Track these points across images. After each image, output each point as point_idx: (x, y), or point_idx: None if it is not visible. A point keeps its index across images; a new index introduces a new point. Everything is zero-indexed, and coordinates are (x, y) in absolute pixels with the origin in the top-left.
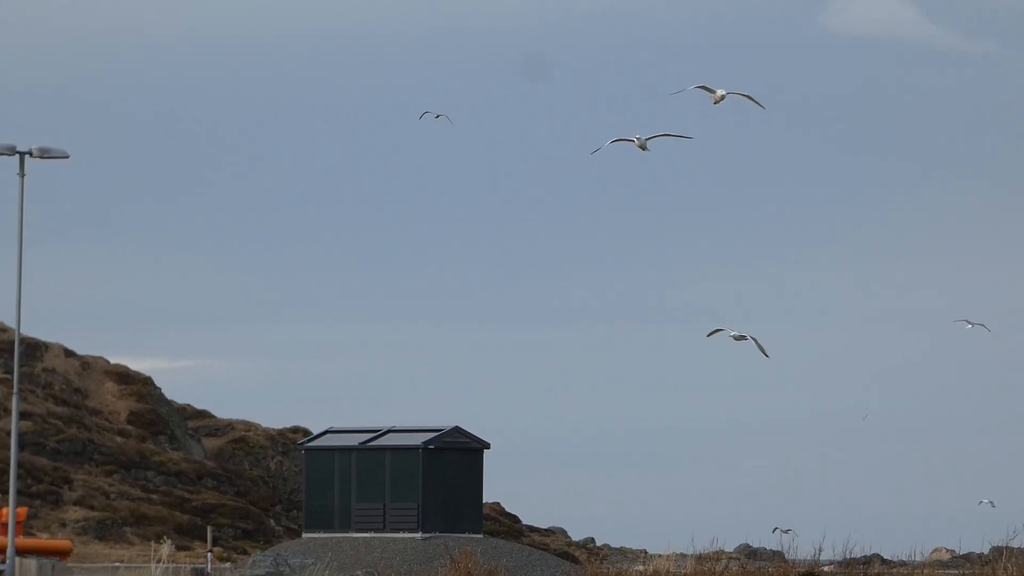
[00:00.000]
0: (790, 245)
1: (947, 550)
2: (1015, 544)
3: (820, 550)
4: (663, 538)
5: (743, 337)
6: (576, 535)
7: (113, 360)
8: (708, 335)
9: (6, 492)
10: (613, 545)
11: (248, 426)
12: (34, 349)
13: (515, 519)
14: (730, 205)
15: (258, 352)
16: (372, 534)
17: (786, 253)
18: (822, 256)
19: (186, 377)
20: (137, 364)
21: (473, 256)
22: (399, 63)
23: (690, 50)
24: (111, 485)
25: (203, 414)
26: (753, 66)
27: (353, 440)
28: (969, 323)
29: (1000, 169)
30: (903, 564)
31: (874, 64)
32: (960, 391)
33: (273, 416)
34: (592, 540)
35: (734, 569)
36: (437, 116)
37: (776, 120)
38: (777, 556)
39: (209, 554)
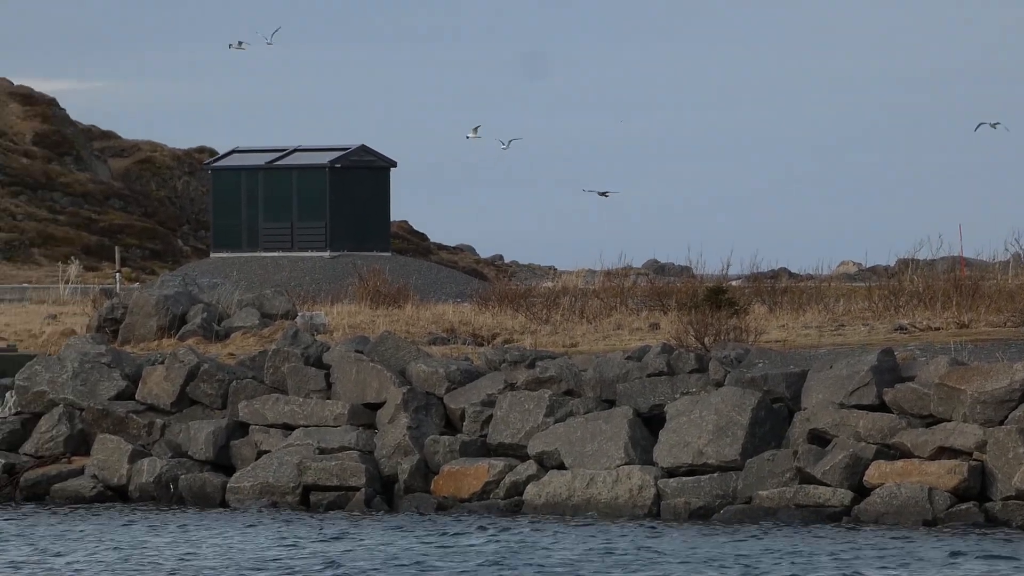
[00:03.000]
0: None
1: (854, 263)
2: (920, 256)
3: (728, 265)
4: (571, 255)
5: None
6: (484, 252)
7: (17, 82)
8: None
9: None
10: (521, 262)
11: (154, 147)
12: None
13: (423, 237)
14: None
15: (162, 72)
16: (280, 253)
17: None
18: None
19: (91, 98)
20: (42, 86)
21: None
22: None
23: None
24: (17, 207)
25: (109, 135)
26: None
27: (259, 160)
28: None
29: None
30: (810, 277)
31: None
32: (867, 106)
33: (179, 137)
34: (500, 257)
35: (642, 284)
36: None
37: None
38: (685, 271)
39: (117, 274)
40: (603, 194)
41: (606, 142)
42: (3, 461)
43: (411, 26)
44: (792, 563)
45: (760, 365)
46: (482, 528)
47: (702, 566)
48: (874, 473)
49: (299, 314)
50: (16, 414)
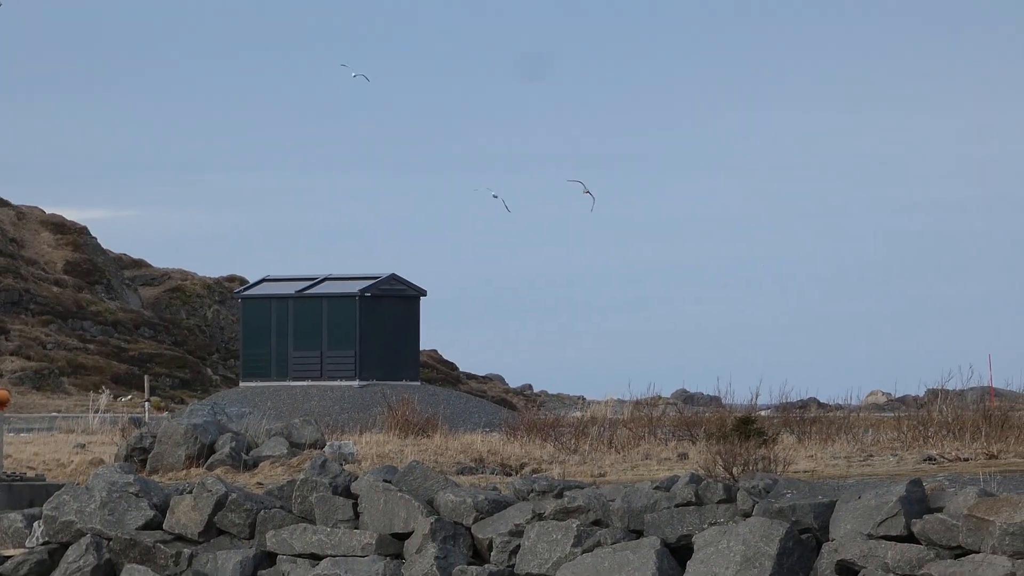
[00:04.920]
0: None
1: (883, 393)
2: (949, 387)
3: (757, 395)
4: (600, 385)
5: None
6: (514, 382)
7: (49, 210)
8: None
9: None
10: (551, 392)
11: (184, 275)
12: None
13: (452, 367)
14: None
15: (194, 201)
16: (309, 382)
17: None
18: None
19: (122, 227)
20: (73, 214)
21: (410, 103)
22: None
23: None
24: (48, 335)
25: (139, 263)
26: None
27: (289, 288)
28: None
29: None
30: (839, 407)
31: None
32: (896, 235)
33: (209, 265)
34: (530, 387)
35: (671, 414)
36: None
37: None
38: (714, 401)
39: (147, 403)
40: (587, 191)
41: (637, 271)
42: None
43: (443, 155)
44: None
45: (788, 495)
46: None
47: None
48: None
49: (327, 444)
50: (44, 544)
